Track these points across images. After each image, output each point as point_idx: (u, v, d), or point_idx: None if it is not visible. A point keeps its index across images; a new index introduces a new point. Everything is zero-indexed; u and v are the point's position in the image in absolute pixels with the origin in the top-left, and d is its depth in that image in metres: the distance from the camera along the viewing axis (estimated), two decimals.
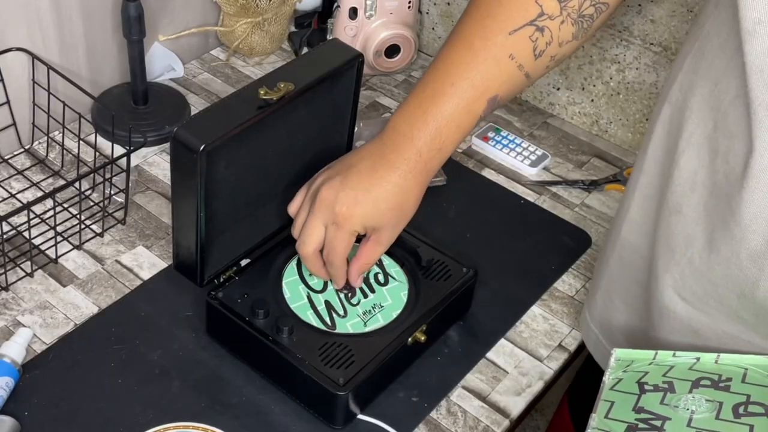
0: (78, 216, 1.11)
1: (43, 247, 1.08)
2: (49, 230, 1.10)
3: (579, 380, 1.17)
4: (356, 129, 1.16)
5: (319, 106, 0.99)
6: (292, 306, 0.96)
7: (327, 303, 0.97)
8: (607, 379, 0.78)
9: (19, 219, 1.10)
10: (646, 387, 0.75)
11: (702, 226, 0.79)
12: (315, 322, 0.95)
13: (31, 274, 1.05)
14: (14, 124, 1.20)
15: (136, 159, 1.22)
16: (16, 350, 0.94)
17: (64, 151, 1.21)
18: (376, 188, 0.87)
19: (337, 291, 0.99)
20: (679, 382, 0.75)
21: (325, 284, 0.99)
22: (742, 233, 0.74)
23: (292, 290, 0.98)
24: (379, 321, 0.96)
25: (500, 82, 0.86)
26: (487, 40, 0.85)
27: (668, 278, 0.83)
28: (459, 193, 1.23)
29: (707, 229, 0.78)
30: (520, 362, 1.02)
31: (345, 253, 0.91)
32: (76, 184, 1.07)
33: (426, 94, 0.87)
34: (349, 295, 0.98)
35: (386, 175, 0.87)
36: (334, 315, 0.96)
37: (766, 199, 0.71)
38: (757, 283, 0.74)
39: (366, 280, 1.00)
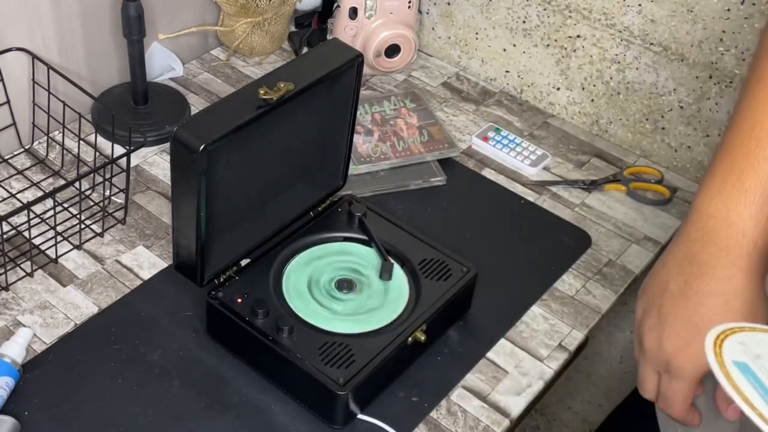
0: (78, 216, 1.11)
1: (43, 247, 1.08)
2: (49, 230, 1.10)
3: None
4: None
5: (319, 106, 0.99)
6: (292, 306, 0.96)
7: (327, 302, 0.97)
8: None
9: (19, 219, 1.10)
10: None
11: None
12: (315, 321, 0.95)
13: (31, 274, 1.05)
14: (14, 124, 1.20)
15: (136, 159, 1.22)
16: (16, 350, 0.94)
17: (64, 151, 1.21)
18: (697, 314, 0.69)
19: (337, 288, 0.99)
20: None
21: (324, 282, 0.99)
22: None
23: (292, 290, 0.98)
24: (379, 321, 0.96)
25: None
26: None
27: None
28: (459, 193, 1.23)
29: None
30: (520, 362, 1.02)
31: (684, 405, 0.75)
32: (76, 184, 1.07)
33: (734, 155, 0.68)
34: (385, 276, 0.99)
35: (704, 288, 0.69)
36: (335, 314, 0.96)
37: None
38: None
39: (366, 280, 1.00)
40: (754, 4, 1.14)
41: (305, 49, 1.44)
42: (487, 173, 1.27)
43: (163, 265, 1.08)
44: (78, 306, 1.03)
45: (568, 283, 1.12)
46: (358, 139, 1.25)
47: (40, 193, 1.15)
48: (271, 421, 0.93)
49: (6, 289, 1.04)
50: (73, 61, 1.25)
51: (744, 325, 0.60)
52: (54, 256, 1.07)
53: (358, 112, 1.22)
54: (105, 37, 1.27)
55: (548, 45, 1.36)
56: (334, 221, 1.06)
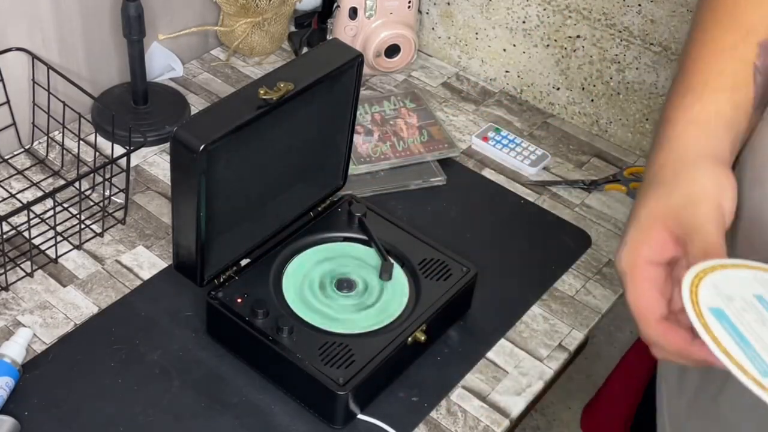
0: (78, 216, 1.11)
1: (43, 247, 1.08)
2: (49, 230, 1.10)
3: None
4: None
5: (319, 106, 0.99)
6: (292, 306, 0.96)
7: (327, 302, 0.97)
8: None
9: (19, 219, 1.10)
10: None
11: None
12: (315, 321, 0.95)
13: (31, 274, 1.05)
14: (14, 124, 1.20)
15: (136, 159, 1.22)
16: (16, 350, 0.94)
17: (64, 151, 1.21)
18: (635, 211, 0.67)
19: (337, 288, 0.99)
20: None
21: (324, 282, 0.99)
22: None
23: (292, 290, 0.98)
24: (379, 321, 0.96)
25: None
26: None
27: None
28: (459, 193, 1.23)
29: None
30: (520, 362, 1.02)
31: (640, 306, 0.64)
32: (76, 184, 1.07)
33: (669, 96, 0.69)
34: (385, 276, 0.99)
35: (642, 190, 0.69)
36: (335, 314, 0.96)
37: None
38: None
39: (366, 280, 1.00)
40: None
41: (305, 49, 1.44)
42: (487, 173, 1.27)
43: (163, 265, 1.08)
44: (78, 306, 1.03)
45: (568, 283, 1.12)
46: (358, 139, 1.25)
47: (40, 193, 1.15)
48: (271, 421, 0.93)
49: (6, 289, 1.04)
50: (73, 61, 1.25)
51: (715, 263, 0.58)
52: (54, 256, 1.07)
53: (358, 112, 1.22)
54: (105, 37, 1.27)
55: (548, 45, 1.36)
56: (334, 221, 1.06)
